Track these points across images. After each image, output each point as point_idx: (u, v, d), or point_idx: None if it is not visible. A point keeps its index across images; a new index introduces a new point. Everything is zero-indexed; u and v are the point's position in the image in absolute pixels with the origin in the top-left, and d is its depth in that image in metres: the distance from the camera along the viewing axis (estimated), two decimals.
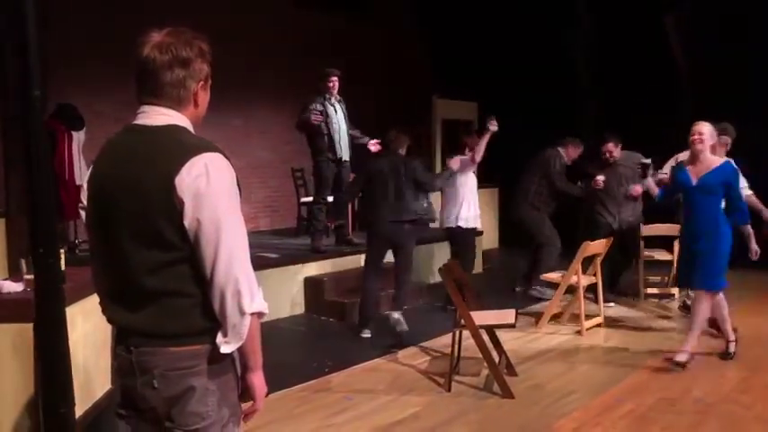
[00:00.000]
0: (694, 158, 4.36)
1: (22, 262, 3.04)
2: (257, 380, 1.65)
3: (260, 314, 1.57)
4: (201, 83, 1.62)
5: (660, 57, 8.52)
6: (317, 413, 3.72)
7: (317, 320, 5.93)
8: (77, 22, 6.40)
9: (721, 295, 4.43)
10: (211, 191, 1.49)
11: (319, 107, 6.11)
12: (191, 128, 1.64)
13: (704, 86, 7.91)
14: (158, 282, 1.52)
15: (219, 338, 1.55)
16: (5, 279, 3.11)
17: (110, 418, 3.33)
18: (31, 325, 2.83)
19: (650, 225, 6.30)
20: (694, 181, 4.32)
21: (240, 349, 1.58)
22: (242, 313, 1.52)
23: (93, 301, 3.10)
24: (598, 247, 5.38)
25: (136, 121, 1.62)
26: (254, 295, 1.54)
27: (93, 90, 6.80)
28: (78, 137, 6.30)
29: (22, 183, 5.21)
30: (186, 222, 1.50)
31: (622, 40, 8.38)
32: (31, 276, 3.02)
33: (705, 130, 4.30)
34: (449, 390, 4.05)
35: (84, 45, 6.60)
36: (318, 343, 5.26)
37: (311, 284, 6.16)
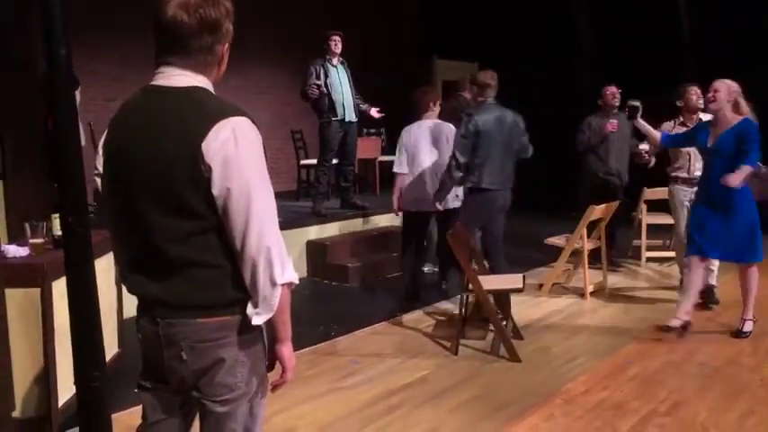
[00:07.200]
0: (713, 119, 4.18)
1: (27, 226, 2.98)
2: (287, 350, 1.62)
3: (290, 284, 1.51)
4: (227, 45, 1.54)
5: (663, 14, 8.36)
6: (326, 376, 3.74)
7: (320, 284, 5.92)
8: None
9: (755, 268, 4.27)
10: (240, 157, 1.41)
11: (320, 69, 6.03)
12: (212, 89, 1.54)
13: (707, 44, 7.78)
14: (185, 251, 1.46)
15: (250, 309, 1.50)
16: (10, 244, 3.05)
17: (117, 379, 3.36)
18: (38, 290, 2.81)
19: (652, 189, 6.26)
20: (710, 143, 4.14)
21: (270, 320, 1.53)
22: (273, 284, 1.47)
23: (101, 264, 3.06)
24: (603, 211, 5.35)
25: (154, 82, 1.52)
26: (285, 265, 1.49)
27: (86, 49, 6.61)
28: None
29: (18, 143, 5.15)
30: (215, 191, 1.42)
31: None
32: (35, 240, 2.98)
33: (721, 87, 4.05)
34: (456, 353, 4.07)
35: (77, 1, 6.39)
36: (323, 307, 5.25)
37: (314, 248, 6.13)
